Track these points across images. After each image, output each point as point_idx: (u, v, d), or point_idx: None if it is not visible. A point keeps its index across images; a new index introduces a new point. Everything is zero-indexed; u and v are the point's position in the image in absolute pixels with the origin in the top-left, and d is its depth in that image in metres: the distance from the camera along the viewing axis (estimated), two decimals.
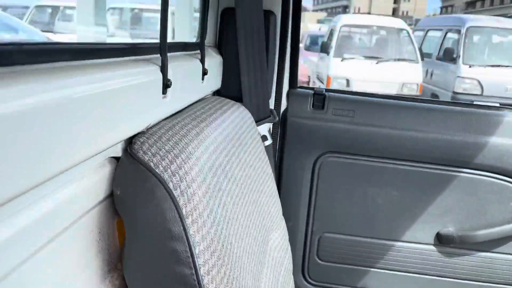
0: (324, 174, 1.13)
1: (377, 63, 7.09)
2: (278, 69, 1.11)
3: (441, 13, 69.12)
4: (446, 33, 7.76)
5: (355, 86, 6.98)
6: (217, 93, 1.07)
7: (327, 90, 1.15)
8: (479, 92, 6.77)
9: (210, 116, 0.76)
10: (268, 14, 1.06)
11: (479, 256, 1.05)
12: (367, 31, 8.42)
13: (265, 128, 1.06)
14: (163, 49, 0.66)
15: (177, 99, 0.75)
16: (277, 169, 1.15)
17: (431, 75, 7.72)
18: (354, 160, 1.12)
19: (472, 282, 1.06)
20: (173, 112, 0.75)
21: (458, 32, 7.17)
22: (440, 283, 1.08)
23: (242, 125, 0.86)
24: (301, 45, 11.83)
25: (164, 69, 0.67)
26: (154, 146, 0.58)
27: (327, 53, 7.38)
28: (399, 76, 6.98)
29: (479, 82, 6.78)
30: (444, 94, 7.10)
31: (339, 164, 1.13)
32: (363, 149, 1.11)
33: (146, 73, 0.65)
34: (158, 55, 0.67)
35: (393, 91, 6.97)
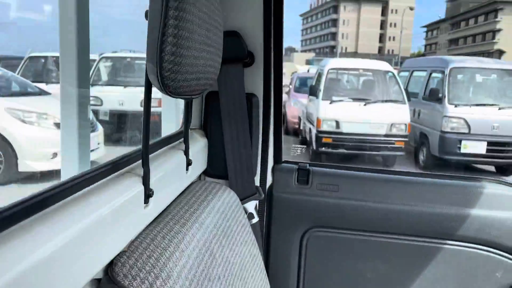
0: (312, 250, 1.13)
1: (365, 104, 7.23)
2: (262, 146, 1.13)
3: (425, 50, 71.44)
4: (430, 74, 8.00)
5: (344, 127, 7.08)
6: (204, 172, 1.09)
7: (311, 165, 1.17)
8: (466, 131, 6.90)
9: (193, 214, 0.77)
10: (251, 96, 1.09)
11: None
12: (354, 73, 8.65)
13: (252, 206, 1.06)
14: (145, 160, 0.67)
15: (159, 203, 0.75)
16: (265, 246, 1.14)
17: (419, 114, 7.87)
18: (340, 234, 1.12)
19: None
20: (156, 215, 0.75)
21: (442, 72, 7.39)
22: None
23: (228, 213, 0.87)
24: (291, 87, 12.08)
25: (146, 181, 0.68)
26: (135, 267, 0.58)
27: (316, 96, 7.53)
28: (388, 117, 7.10)
29: (465, 121, 6.92)
30: (432, 133, 7.21)
31: (326, 238, 1.12)
32: (349, 223, 1.11)
33: (128, 188, 0.66)
34: (140, 165, 0.68)
35: (382, 131, 7.06)
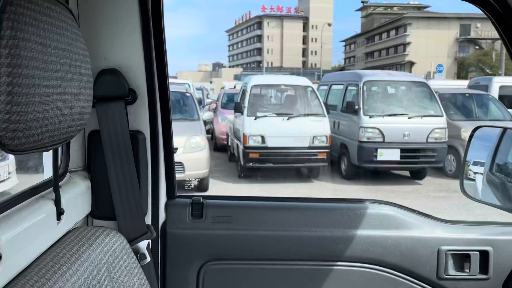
0: (209, 284, 1.13)
1: (288, 119, 7.47)
2: (152, 184, 1.12)
3: (345, 63, 75.71)
4: (346, 87, 8.49)
5: (270, 142, 7.25)
6: (91, 214, 1.05)
7: (205, 198, 1.18)
8: (381, 140, 7.39)
9: (61, 268, 0.72)
10: (136, 133, 1.08)
11: None
12: (277, 89, 8.92)
13: (143, 246, 1.05)
14: None
15: (11, 267, 0.69)
16: (161, 286, 1.13)
17: (338, 126, 8.30)
18: (236, 265, 1.14)
19: None
20: (10, 279, 0.68)
21: (357, 86, 7.88)
22: None
23: (109, 259, 0.84)
24: (218, 103, 12.13)
25: None
26: None
27: (241, 112, 7.64)
28: (310, 130, 7.39)
29: (380, 130, 7.42)
30: (351, 143, 7.63)
31: (222, 271, 1.13)
32: (243, 253, 1.13)
33: None
34: None
35: (305, 144, 7.33)
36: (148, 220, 1.11)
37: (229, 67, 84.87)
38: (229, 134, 9.13)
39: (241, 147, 7.40)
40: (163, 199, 1.17)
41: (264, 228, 1.14)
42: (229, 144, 9.14)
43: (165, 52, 1.13)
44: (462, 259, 1.12)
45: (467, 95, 9.16)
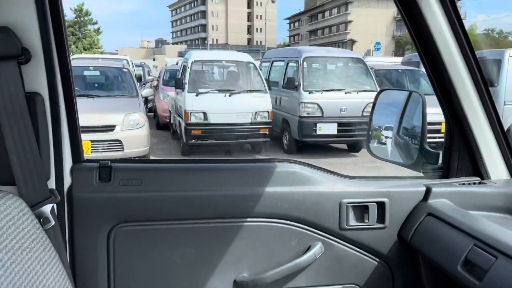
0: (120, 246, 1.15)
1: (230, 95, 7.47)
2: (55, 147, 1.09)
3: (289, 41, 76.26)
4: (287, 63, 8.61)
5: (212, 118, 7.23)
6: None
7: (113, 161, 1.18)
8: (320, 115, 7.63)
9: None
10: (34, 95, 1.05)
11: None
12: (218, 65, 8.85)
13: (47, 210, 1.03)
14: None
15: None
16: (70, 249, 1.13)
17: (280, 102, 8.44)
18: (147, 226, 1.16)
19: None
20: None
21: (297, 62, 8.01)
22: None
23: (5, 224, 0.83)
24: (160, 80, 11.84)
25: None
26: None
27: (182, 89, 7.53)
28: (252, 106, 7.45)
29: (319, 105, 7.64)
30: (292, 119, 7.81)
31: (133, 233, 1.15)
32: (154, 215, 1.16)
33: None
34: None
35: (247, 120, 7.39)
36: (52, 184, 1.09)
37: (173, 44, 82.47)
38: (172, 111, 8.99)
39: (183, 124, 7.32)
40: (68, 163, 1.15)
41: (174, 190, 1.16)
42: (172, 121, 9.00)
43: (61, 11, 1.09)
44: (361, 210, 1.23)
45: (400, 71, 9.64)
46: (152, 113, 11.44)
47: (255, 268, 1.18)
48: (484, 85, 1.21)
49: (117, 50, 44.10)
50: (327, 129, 7.61)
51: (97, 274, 1.13)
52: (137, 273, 1.15)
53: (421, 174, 1.36)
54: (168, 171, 1.19)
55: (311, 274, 1.21)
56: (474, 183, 1.27)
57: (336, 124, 7.60)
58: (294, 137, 7.78)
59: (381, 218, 1.22)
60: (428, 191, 1.23)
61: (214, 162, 1.25)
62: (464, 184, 1.26)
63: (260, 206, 1.16)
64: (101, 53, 31.43)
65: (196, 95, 7.37)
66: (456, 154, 1.30)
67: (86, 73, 7.19)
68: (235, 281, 1.18)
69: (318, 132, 7.56)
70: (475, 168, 1.29)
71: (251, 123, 7.39)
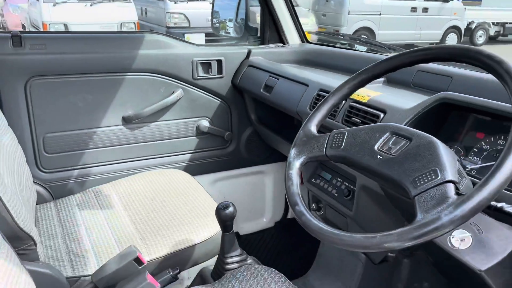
0: (35, 94, 1.54)
1: (91, 5, 7.21)
2: None
3: None
4: None
5: (74, 29, 7.00)
6: None
7: (22, 32, 1.52)
8: (187, 25, 7.88)
9: None
10: None
11: (148, 126, 1.74)
12: None
13: None
14: None
15: None
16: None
17: (146, 13, 8.41)
18: (54, 79, 1.55)
19: (149, 142, 1.76)
20: None
21: None
22: (131, 147, 1.73)
23: None
24: None
25: None
26: None
27: None
28: (116, 17, 7.34)
29: (185, 16, 7.87)
30: (159, 30, 7.95)
31: (44, 84, 1.54)
32: (58, 70, 1.56)
33: None
34: None
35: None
36: None
37: None
38: (26, 26, 8.28)
39: None
40: None
41: (75, 52, 1.56)
42: None
43: None
44: (207, 66, 1.81)
45: None
46: (2, 29, 10.27)
47: (137, 107, 1.71)
48: None
49: None
50: (195, 39, 7.97)
51: (20, 114, 1.52)
52: (50, 112, 1.58)
53: (246, 43, 2.01)
54: (68, 39, 1.58)
55: (176, 110, 1.79)
56: (278, 47, 1.95)
57: (203, 34, 7.99)
58: None
59: (220, 71, 1.83)
60: (249, 52, 1.87)
61: (99, 33, 1.67)
62: (272, 47, 1.94)
63: (137, 64, 1.66)
64: None
65: (54, 5, 6.96)
66: (267, 29, 1.96)
67: None
68: (123, 117, 1.70)
69: None
70: (280, 37, 1.97)
71: None
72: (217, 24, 2.40)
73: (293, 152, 0.91)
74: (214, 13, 2.28)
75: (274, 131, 1.82)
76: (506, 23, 13.15)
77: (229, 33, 2.30)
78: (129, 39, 1.66)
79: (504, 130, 0.92)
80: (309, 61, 1.85)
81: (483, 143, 0.95)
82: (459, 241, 0.79)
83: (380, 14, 10.43)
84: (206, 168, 1.91)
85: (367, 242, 0.66)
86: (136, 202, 1.46)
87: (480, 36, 12.69)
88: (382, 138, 0.83)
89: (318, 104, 0.98)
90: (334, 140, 0.88)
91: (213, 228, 1.30)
